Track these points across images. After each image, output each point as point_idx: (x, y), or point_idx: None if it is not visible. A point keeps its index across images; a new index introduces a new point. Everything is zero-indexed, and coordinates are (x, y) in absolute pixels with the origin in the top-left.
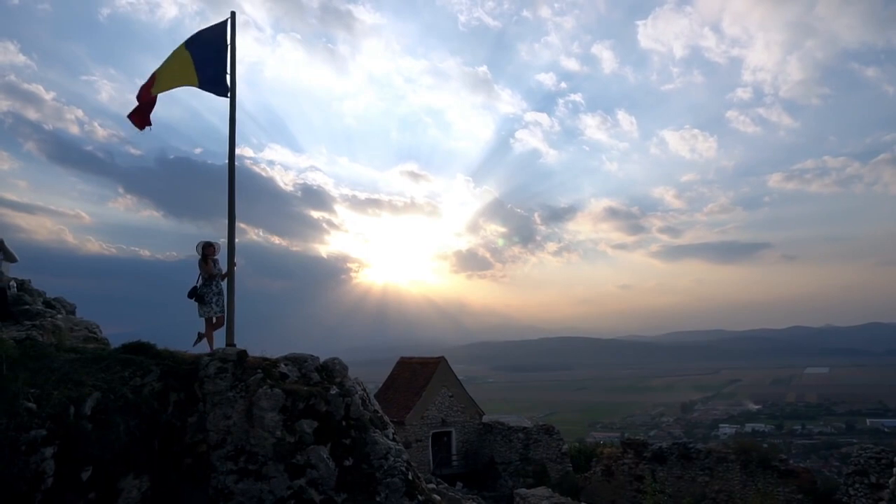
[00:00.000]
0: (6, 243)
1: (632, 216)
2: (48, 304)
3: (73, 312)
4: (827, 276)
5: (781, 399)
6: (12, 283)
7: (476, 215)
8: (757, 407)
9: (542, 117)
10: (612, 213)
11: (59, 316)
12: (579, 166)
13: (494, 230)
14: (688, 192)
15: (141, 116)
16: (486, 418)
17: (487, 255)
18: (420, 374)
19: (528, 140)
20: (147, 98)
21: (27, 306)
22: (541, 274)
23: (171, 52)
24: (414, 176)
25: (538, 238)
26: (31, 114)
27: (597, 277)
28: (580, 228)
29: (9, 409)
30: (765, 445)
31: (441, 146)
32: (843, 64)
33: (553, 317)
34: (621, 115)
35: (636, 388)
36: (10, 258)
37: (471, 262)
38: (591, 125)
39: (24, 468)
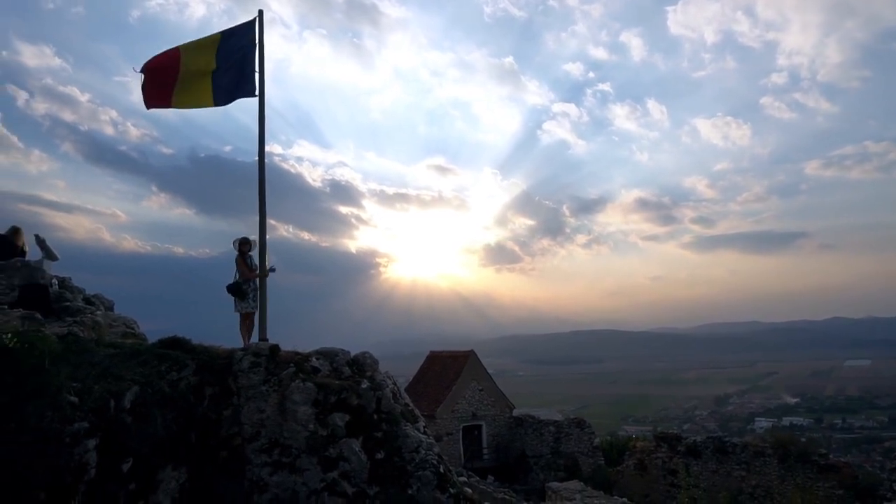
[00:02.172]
0: (47, 242)
1: (663, 207)
2: (88, 300)
3: (111, 309)
4: (868, 266)
5: (820, 392)
6: (54, 280)
7: (504, 208)
8: (795, 400)
9: (570, 108)
10: (642, 204)
11: (99, 312)
12: (609, 157)
13: (523, 223)
14: (721, 182)
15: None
16: (516, 412)
17: (516, 248)
18: (450, 367)
19: (555, 131)
20: (163, 101)
21: (68, 303)
22: (570, 266)
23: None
24: (441, 170)
25: (567, 230)
26: (68, 115)
27: (627, 269)
28: (610, 220)
29: (53, 402)
30: (803, 439)
31: (468, 139)
32: (884, 44)
33: (583, 309)
34: (651, 104)
35: (669, 381)
36: (51, 257)
37: (499, 256)
38: (621, 115)
39: (68, 459)
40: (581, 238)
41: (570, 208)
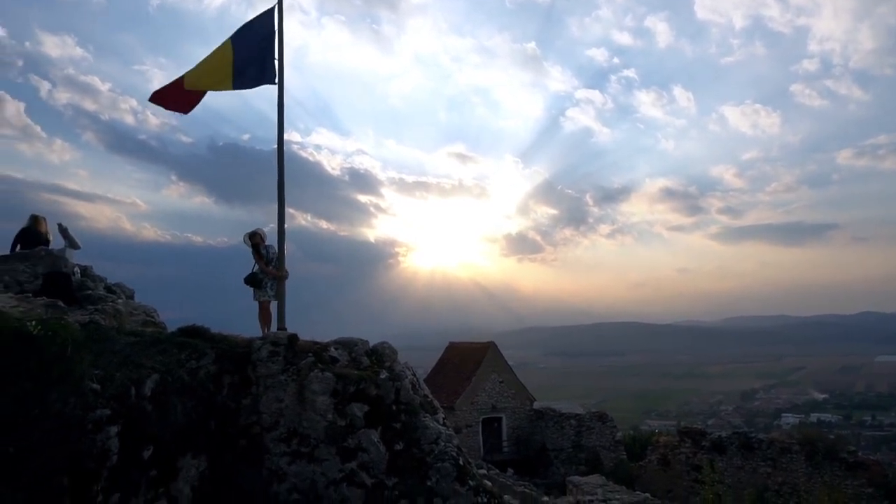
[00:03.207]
0: (70, 231)
1: (689, 196)
2: (109, 289)
3: (131, 297)
4: None
5: (850, 388)
6: (76, 269)
7: (526, 197)
8: (823, 396)
9: (594, 94)
10: (668, 194)
11: (120, 301)
12: (633, 145)
13: (545, 212)
14: (749, 171)
15: (174, 100)
16: (537, 404)
17: (538, 237)
18: (470, 359)
19: (579, 118)
20: (180, 90)
21: (90, 291)
22: (594, 257)
23: (219, 40)
24: (462, 157)
25: (590, 220)
26: (89, 105)
27: (652, 261)
28: (634, 210)
29: (75, 389)
30: (831, 436)
31: (489, 126)
32: None
33: (606, 301)
34: (678, 91)
35: (693, 374)
36: (73, 245)
37: (521, 245)
38: (646, 102)
39: (91, 446)
40: (605, 228)
41: (594, 197)
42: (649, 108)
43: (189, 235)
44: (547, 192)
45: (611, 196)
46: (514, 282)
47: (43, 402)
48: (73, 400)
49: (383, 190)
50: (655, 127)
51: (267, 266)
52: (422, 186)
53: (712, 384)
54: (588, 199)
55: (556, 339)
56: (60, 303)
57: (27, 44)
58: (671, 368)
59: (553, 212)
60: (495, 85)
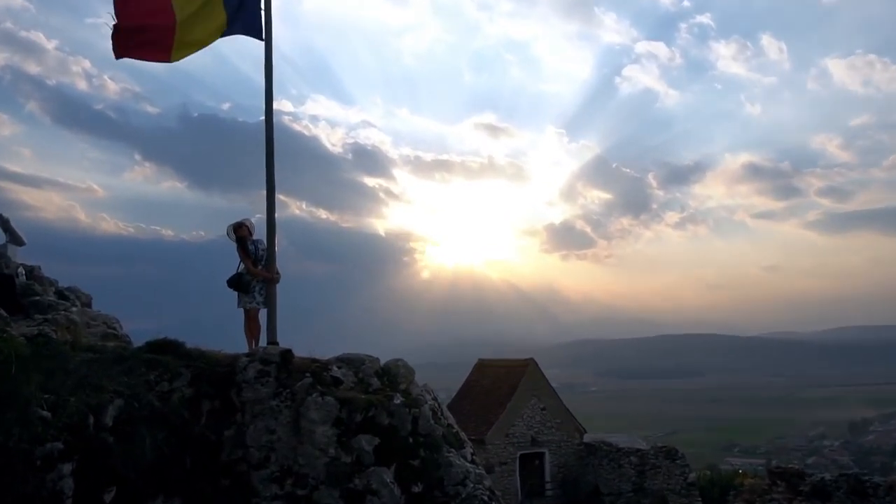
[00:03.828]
0: (12, 223)
1: (781, 175)
2: (61, 294)
3: (88, 304)
4: None
5: None
6: (20, 269)
7: (573, 178)
8: None
9: (659, 47)
10: (753, 172)
11: (74, 309)
12: (709, 110)
13: (596, 197)
14: (860, 141)
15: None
16: (588, 437)
17: (588, 229)
18: (504, 380)
19: (639, 78)
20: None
21: (38, 297)
22: (658, 252)
23: None
24: (492, 130)
25: (654, 206)
26: (32, 67)
27: (733, 256)
28: (710, 192)
29: (21, 417)
30: None
31: (526, 90)
32: None
33: (675, 307)
34: (766, 41)
35: (787, 400)
36: (17, 241)
37: (567, 239)
38: (725, 55)
39: (39, 486)
40: (672, 216)
41: (658, 178)
42: (729, 63)
43: (157, 228)
44: (599, 171)
45: (680, 176)
46: (559, 284)
47: None
48: (18, 431)
49: (395, 171)
50: (737, 87)
51: (255, 266)
52: (443, 166)
53: (812, 413)
54: (651, 179)
55: (610, 355)
56: (1, 311)
57: None
58: (759, 392)
59: (607, 196)
60: (533, 38)
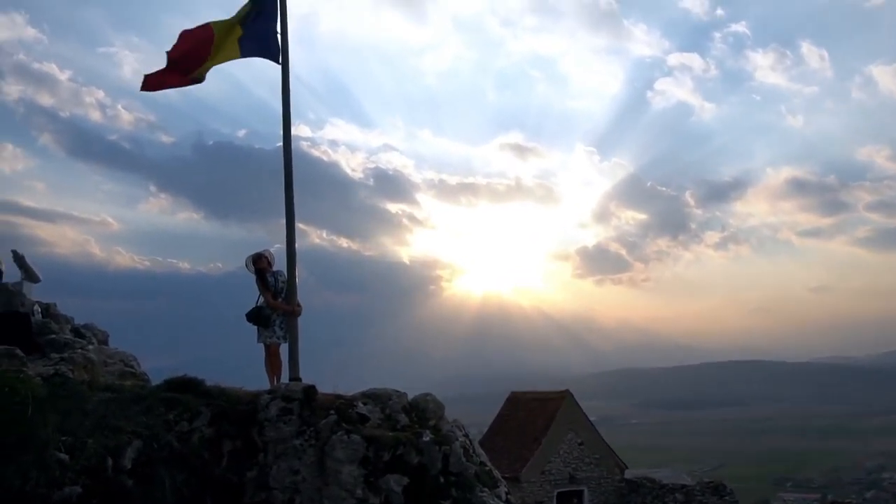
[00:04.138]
0: (27, 259)
1: (827, 189)
2: (77, 332)
3: (105, 342)
4: None
5: None
6: (37, 307)
7: (605, 198)
8: None
9: (692, 59)
10: (797, 187)
11: (91, 347)
12: (747, 123)
13: (631, 218)
14: None
15: (160, 79)
16: (629, 473)
17: (623, 251)
18: (538, 414)
19: (672, 92)
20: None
21: (54, 335)
22: (698, 274)
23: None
24: (519, 150)
25: (692, 226)
26: (45, 99)
27: (778, 277)
28: (752, 210)
29: (39, 460)
30: None
31: (553, 108)
32: None
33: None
34: (806, 48)
35: (842, 430)
36: (32, 278)
37: (601, 262)
38: (763, 65)
39: None
40: (712, 236)
41: (696, 196)
42: (767, 73)
43: (174, 261)
44: (633, 190)
45: (719, 193)
46: (593, 310)
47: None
48: (36, 474)
49: (419, 196)
50: (777, 98)
51: (275, 299)
52: (468, 189)
53: (869, 443)
54: (688, 197)
55: (651, 385)
56: (18, 351)
57: None
58: (812, 422)
59: (642, 217)
60: (560, 53)
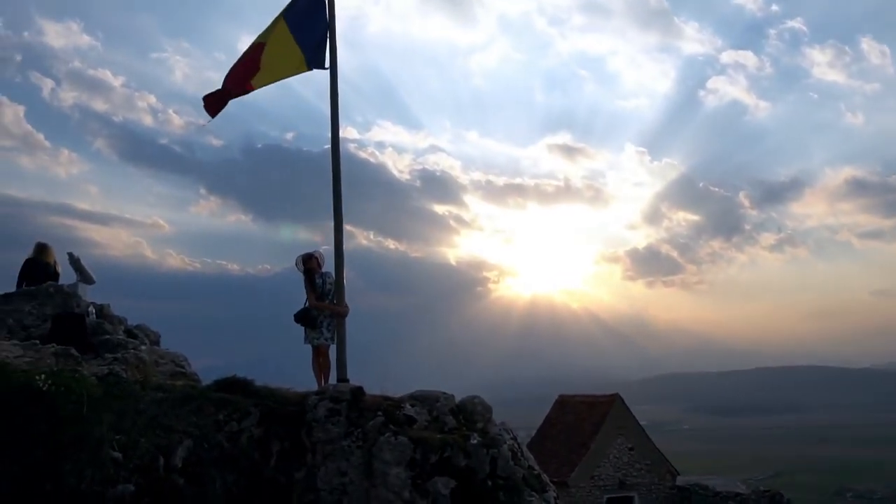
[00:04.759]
0: (82, 261)
1: (889, 189)
2: (130, 332)
3: (157, 342)
4: None
5: None
6: (91, 308)
7: (656, 199)
8: None
9: (746, 56)
10: (857, 187)
11: (143, 347)
12: (805, 122)
13: (683, 219)
14: None
15: (217, 102)
16: (681, 480)
17: (675, 253)
18: (587, 417)
19: (725, 90)
20: (240, 87)
21: (108, 336)
22: (753, 277)
23: (253, 15)
24: (568, 150)
25: (747, 227)
26: (99, 105)
27: (838, 280)
28: (810, 211)
29: (93, 458)
30: None
31: (602, 108)
32: None
33: (774, 337)
34: (866, 44)
35: None
36: (87, 280)
37: (652, 264)
38: (821, 62)
39: None
40: (768, 238)
41: (751, 197)
42: (825, 70)
43: (223, 263)
44: (685, 191)
45: (775, 194)
46: (644, 313)
47: (56, 474)
48: (91, 472)
49: (466, 197)
50: (836, 95)
51: (322, 300)
52: (516, 190)
53: None
54: (743, 198)
55: (704, 390)
56: (73, 350)
57: (25, 34)
58: (874, 431)
59: (694, 218)
60: (609, 52)
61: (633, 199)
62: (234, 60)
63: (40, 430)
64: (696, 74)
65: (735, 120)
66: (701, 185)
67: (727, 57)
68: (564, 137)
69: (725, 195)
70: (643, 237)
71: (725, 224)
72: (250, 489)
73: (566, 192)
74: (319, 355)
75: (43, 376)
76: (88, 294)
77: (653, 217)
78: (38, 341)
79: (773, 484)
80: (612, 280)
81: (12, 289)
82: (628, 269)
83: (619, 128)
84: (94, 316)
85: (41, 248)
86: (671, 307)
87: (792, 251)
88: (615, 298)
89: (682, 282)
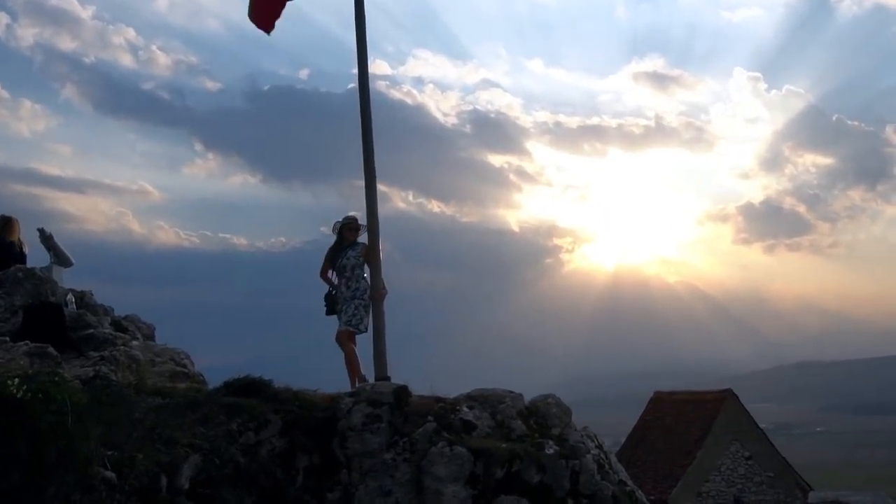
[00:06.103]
0: (55, 239)
1: None
2: (118, 325)
3: (151, 337)
4: None
5: None
6: (70, 297)
7: (776, 139)
8: None
9: None
10: None
11: (135, 342)
12: None
13: (812, 163)
14: None
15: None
16: (814, 496)
17: (801, 208)
18: (691, 420)
19: None
20: None
21: (91, 330)
22: None
23: None
24: (659, 80)
25: None
26: (66, 43)
27: None
28: None
29: (81, 479)
30: None
31: (704, 24)
32: None
33: None
34: None
35: None
36: (63, 262)
37: (772, 223)
38: None
39: None
40: None
41: None
42: None
43: (227, 236)
44: (813, 127)
45: None
46: (763, 286)
47: (37, 500)
48: (79, 497)
49: (529, 144)
50: None
51: (340, 274)
52: (593, 133)
53: None
54: (891, 134)
55: (842, 383)
56: (51, 349)
57: None
58: None
59: (827, 161)
60: None
61: (745, 139)
62: None
63: (16, 447)
64: None
65: (879, 33)
66: (835, 118)
67: None
68: (655, 63)
69: (868, 130)
70: (760, 189)
71: (868, 169)
72: None
73: (658, 132)
74: (343, 346)
75: (16, 381)
76: (65, 279)
77: (772, 162)
78: (7, 338)
79: None
80: (721, 245)
81: None
82: (741, 230)
83: (726, 49)
84: (74, 306)
85: (4, 223)
86: (798, 278)
87: None
88: (724, 268)
89: (812, 244)
